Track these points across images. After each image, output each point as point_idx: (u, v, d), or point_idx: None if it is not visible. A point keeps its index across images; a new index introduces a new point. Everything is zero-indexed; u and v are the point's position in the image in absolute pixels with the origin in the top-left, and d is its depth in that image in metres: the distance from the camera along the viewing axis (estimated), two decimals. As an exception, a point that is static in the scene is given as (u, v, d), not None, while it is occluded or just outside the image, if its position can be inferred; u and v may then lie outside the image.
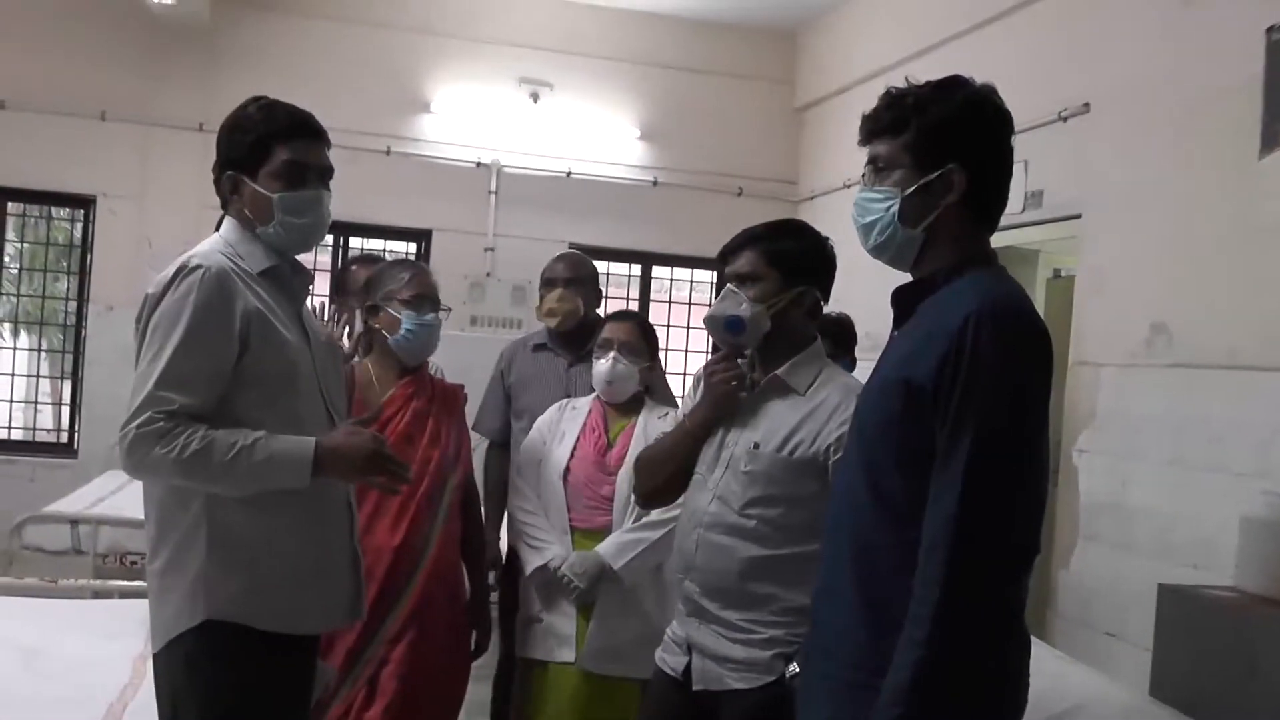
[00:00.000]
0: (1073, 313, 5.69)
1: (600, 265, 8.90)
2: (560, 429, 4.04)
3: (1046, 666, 4.10)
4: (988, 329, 2.08)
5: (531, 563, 3.88)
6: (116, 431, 2.57)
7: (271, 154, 2.80)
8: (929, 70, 6.68)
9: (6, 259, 8.67)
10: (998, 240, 5.85)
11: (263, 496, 2.66)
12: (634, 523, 3.82)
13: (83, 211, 8.24)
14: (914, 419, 2.16)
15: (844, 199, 7.36)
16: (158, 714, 2.71)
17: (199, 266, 2.64)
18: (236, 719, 2.65)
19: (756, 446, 2.98)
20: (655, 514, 3.67)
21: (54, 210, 8.75)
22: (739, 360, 3.13)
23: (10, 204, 8.28)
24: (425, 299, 3.74)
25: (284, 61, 8.22)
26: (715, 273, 8.69)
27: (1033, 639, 4.38)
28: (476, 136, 8.57)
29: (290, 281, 2.92)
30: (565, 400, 4.20)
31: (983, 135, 2.28)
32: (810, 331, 3.12)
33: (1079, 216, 5.51)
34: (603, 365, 3.96)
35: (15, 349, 9.12)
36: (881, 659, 2.13)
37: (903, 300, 2.36)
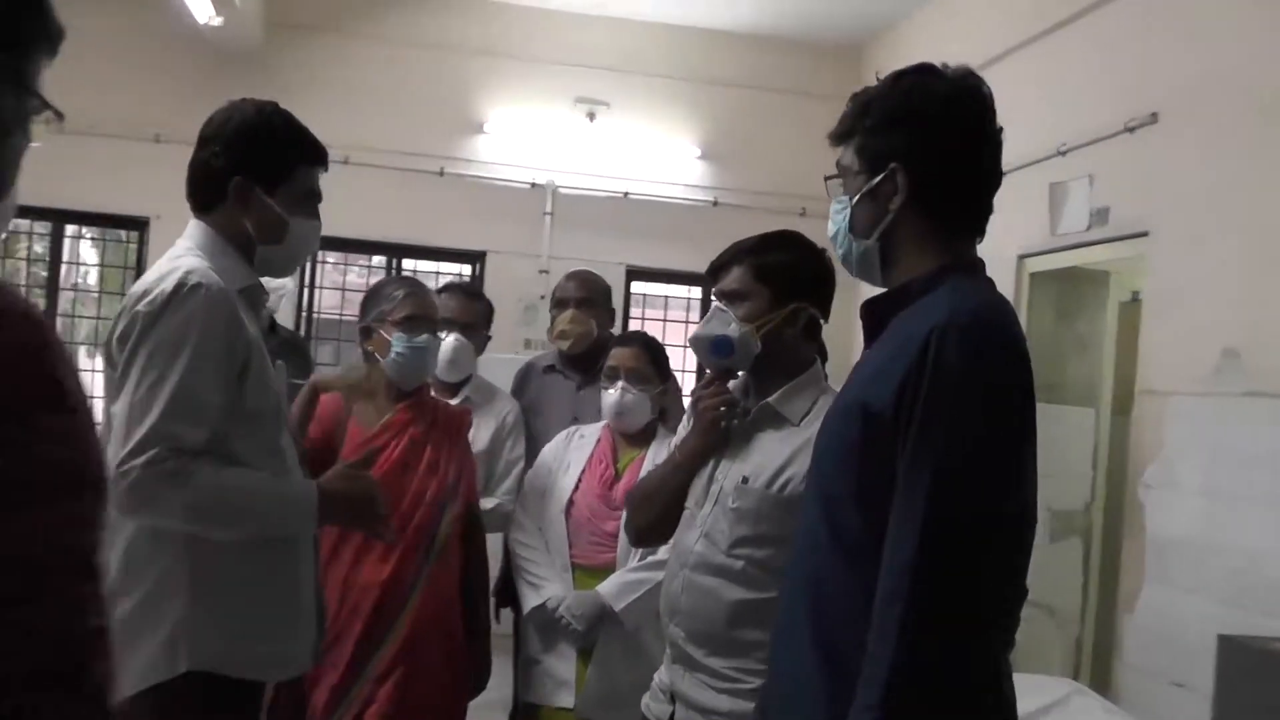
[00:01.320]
0: (1138, 337, 5.41)
1: (660, 288, 8.92)
2: (566, 459, 3.91)
3: (1094, 719, 3.88)
4: (953, 344, 1.88)
5: (529, 601, 3.77)
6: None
7: (295, 175, 2.75)
8: (998, 79, 6.47)
9: (87, 280, 8.80)
10: (1062, 260, 5.68)
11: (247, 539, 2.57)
12: (638, 561, 3.67)
13: (137, 233, 8.31)
14: (873, 447, 1.96)
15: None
16: None
17: (200, 285, 2.49)
18: None
19: (745, 481, 2.78)
20: (662, 553, 3.48)
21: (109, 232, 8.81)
22: (729, 385, 2.95)
23: (68, 226, 8.43)
24: (419, 320, 3.62)
25: (337, 83, 8.26)
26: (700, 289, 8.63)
27: (1082, 688, 4.19)
28: (531, 157, 8.51)
29: (259, 302, 2.80)
30: (574, 428, 4.06)
31: (931, 127, 2.09)
32: (807, 354, 2.92)
33: (1146, 234, 5.23)
34: (611, 396, 3.83)
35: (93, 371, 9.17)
36: (841, 711, 1.92)
37: (873, 314, 2.17)
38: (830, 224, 2.24)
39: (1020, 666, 5.28)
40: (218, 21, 7.15)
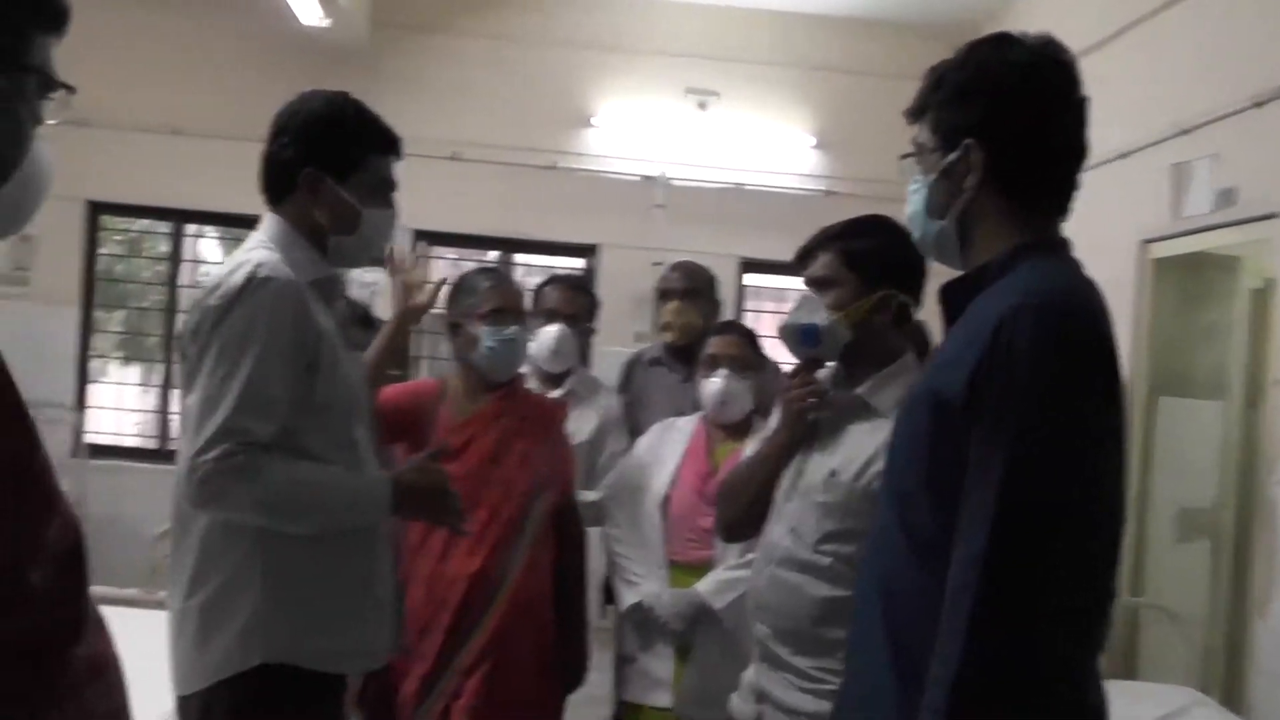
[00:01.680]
0: (1268, 325, 5.18)
1: (774, 280, 8.82)
2: (661, 453, 3.87)
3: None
4: (1026, 327, 1.78)
5: (626, 599, 3.75)
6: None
7: (366, 164, 2.73)
8: (1117, 55, 6.23)
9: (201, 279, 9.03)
10: (1187, 245, 5.46)
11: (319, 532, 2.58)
12: (737, 559, 3.60)
13: (252, 232, 8.40)
14: (945, 438, 1.86)
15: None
16: None
17: (269, 278, 2.49)
18: None
19: (833, 474, 2.72)
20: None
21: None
22: (818, 375, 2.87)
23: (188, 225, 8.65)
24: (505, 312, 3.61)
25: (444, 81, 8.35)
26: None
27: (1205, 699, 4.00)
28: (642, 149, 8.47)
29: (334, 293, 2.80)
30: (668, 420, 4.01)
31: (1005, 98, 1.97)
32: (898, 343, 2.84)
33: (1275, 216, 4.99)
34: (714, 384, 3.77)
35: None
36: (913, 717, 1.84)
37: (952, 298, 2.06)
38: (908, 205, 2.15)
39: (1144, 674, 5.13)
40: (325, 23, 7.29)
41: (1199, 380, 5.86)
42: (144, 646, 2.51)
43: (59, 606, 1.32)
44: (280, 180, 2.70)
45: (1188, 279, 5.90)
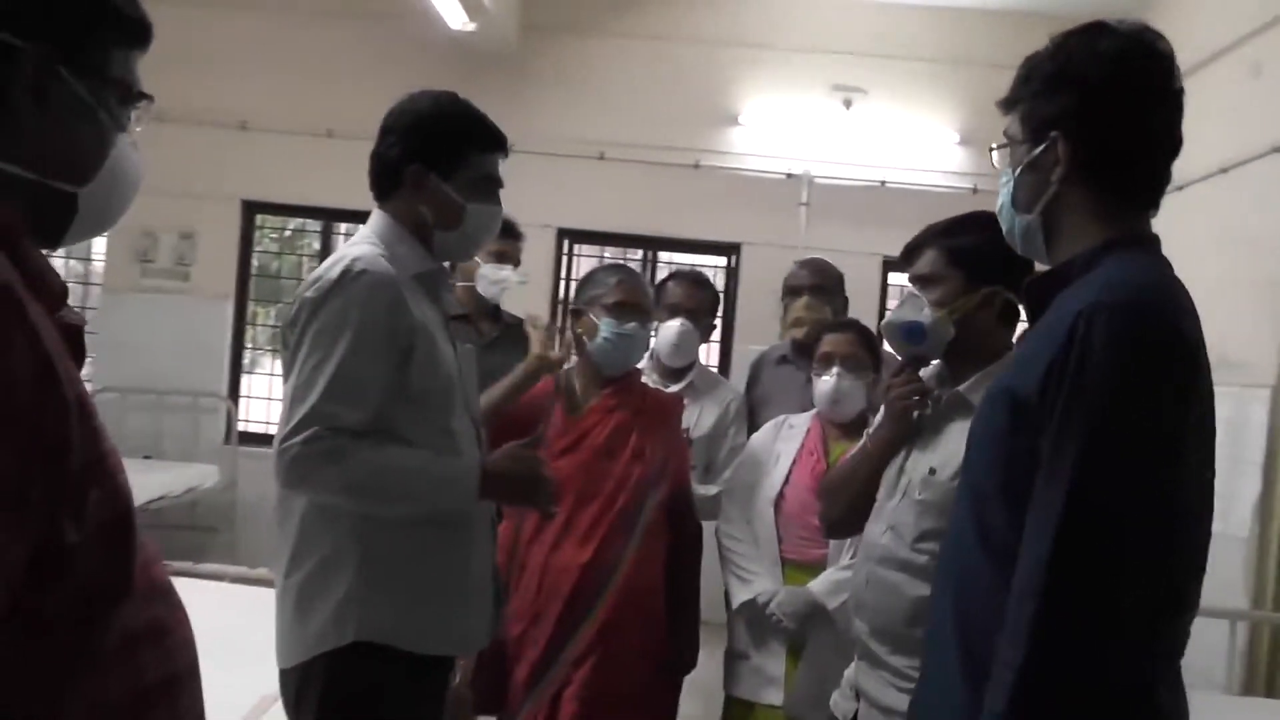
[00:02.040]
0: None
1: (919, 281, 8.72)
2: (775, 450, 3.85)
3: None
4: (1102, 326, 1.75)
5: (738, 596, 3.73)
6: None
7: (469, 161, 2.79)
8: (1274, 44, 5.99)
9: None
10: None
11: (418, 515, 2.63)
12: (851, 558, 3.54)
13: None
14: (1020, 437, 1.85)
15: (1180, 201, 6.76)
16: None
17: (364, 271, 2.57)
18: None
19: (933, 473, 2.69)
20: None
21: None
22: (923, 373, 2.86)
23: (341, 224, 8.90)
24: (628, 307, 3.63)
25: (591, 81, 8.47)
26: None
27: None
28: (786, 147, 8.46)
29: (441, 287, 2.86)
30: (782, 418, 3.99)
31: (1092, 92, 1.94)
32: (1003, 340, 2.80)
33: None
34: (826, 382, 3.75)
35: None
36: (978, 716, 1.83)
37: (1036, 294, 2.05)
38: (999, 198, 2.14)
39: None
40: (471, 27, 7.45)
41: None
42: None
43: (100, 573, 1.38)
44: (387, 177, 2.78)
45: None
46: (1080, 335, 1.76)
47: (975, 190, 8.20)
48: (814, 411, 3.87)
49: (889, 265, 8.48)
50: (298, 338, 2.57)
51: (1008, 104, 2.10)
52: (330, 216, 8.90)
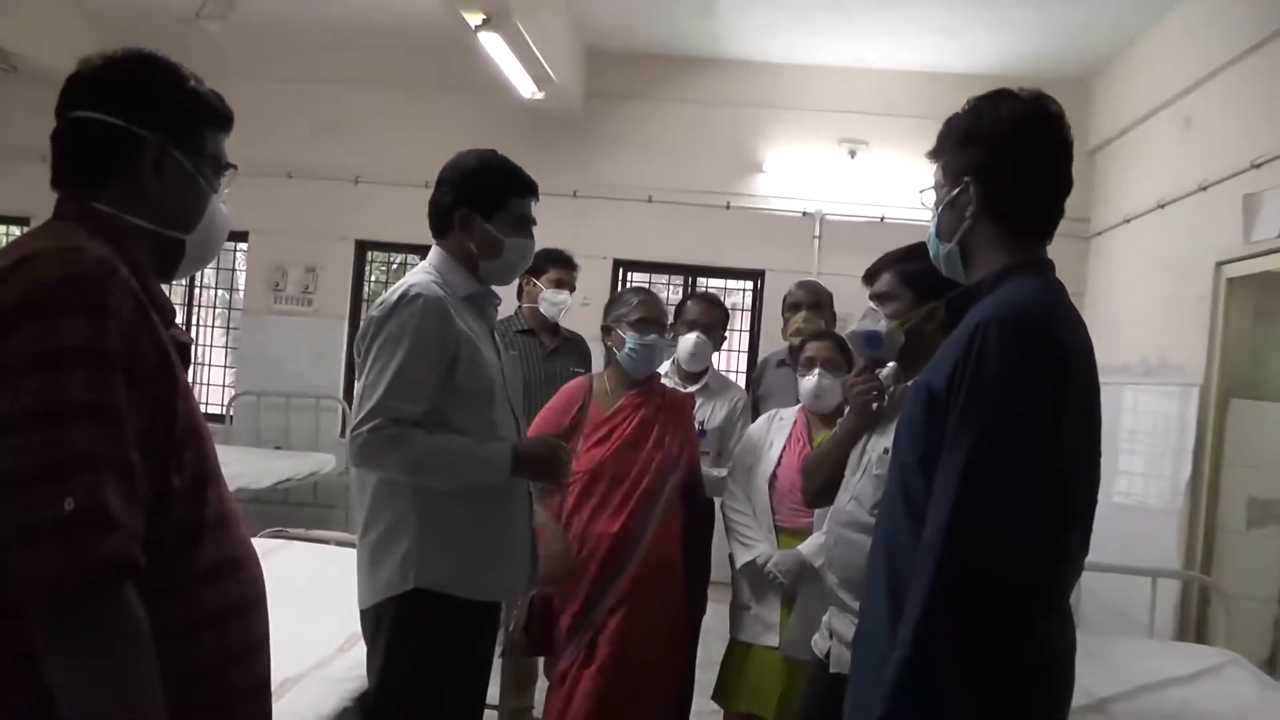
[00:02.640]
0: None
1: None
2: (769, 438, 3.88)
3: (1244, 689, 3.55)
4: (994, 336, 1.82)
5: (741, 558, 3.76)
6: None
7: (508, 204, 2.88)
8: (1200, 101, 5.96)
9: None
10: (1257, 266, 5.22)
11: (464, 488, 2.71)
12: (833, 523, 3.61)
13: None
14: (931, 422, 1.91)
15: (1127, 233, 6.73)
16: (367, 658, 2.77)
17: (419, 295, 2.67)
18: (434, 667, 2.68)
19: (887, 452, 2.71)
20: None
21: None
22: (881, 373, 2.90)
23: None
24: (648, 322, 3.70)
25: (642, 138, 8.54)
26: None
27: (1239, 658, 3.83)
28: (802, 190, 8.46)
29: (486, 305, 2.94)
30: (773, 411, 4.02)
31: (994, 146, 2.01)
32: None
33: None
34: (809, 381, 3.80)
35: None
36: None
37: (954, 308, 2.10)
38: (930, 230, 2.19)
39: (1214, 644, 4.90)
40: (540, 96, 7.53)
41: (1268, 385, 5.59)
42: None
43: (192, 513, 1.52)
44: (441, 219, 2.88)
45: (1258, 296, 5.63)
46: (978, 342, 1.83)
47: (959, 225, 8.16)
48: (800, 405, 3.91)
49: (888, 288, 8.41)
50: (366, 348, 2.69)
51: (933, 155, 2.16)
52: (427, 252, 8.91)
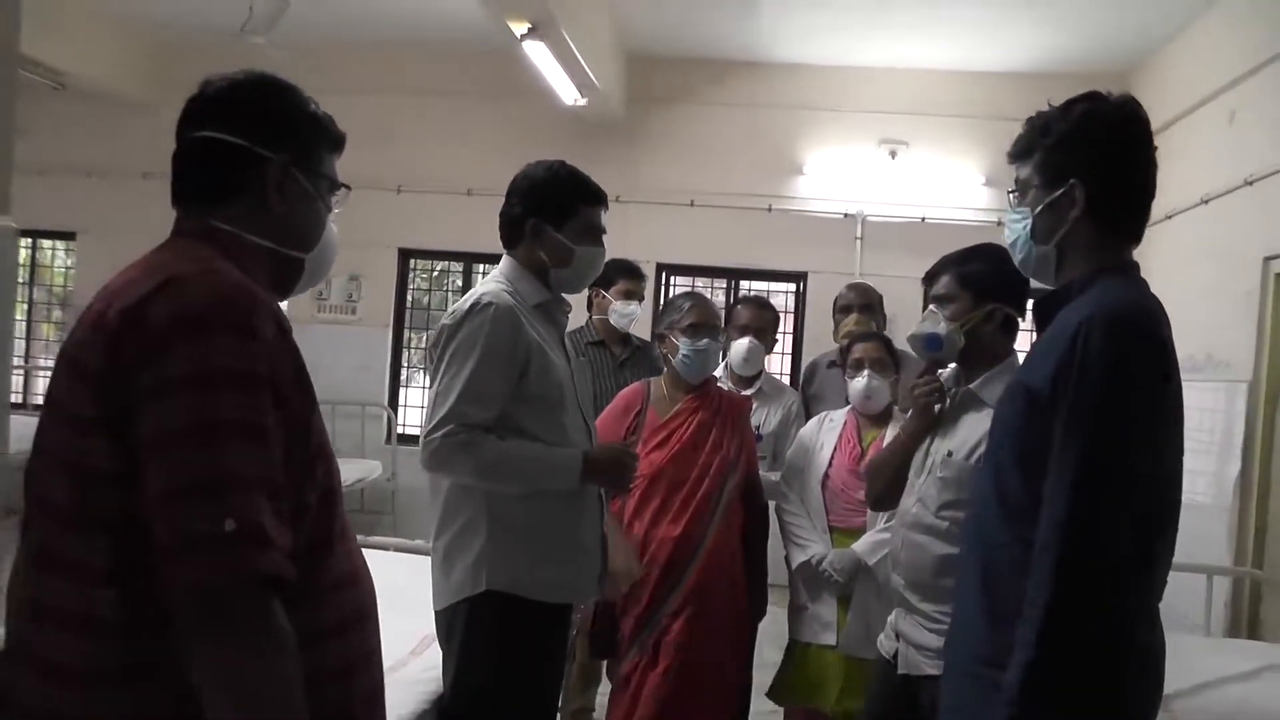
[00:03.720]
0: None
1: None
2: (820, 440, 3.90)
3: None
4: (1099, 334, 1.85)
5: (797, 559, 3.78)
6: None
7: (578, 214, 2.91)
8: (1245, 96, 5.93)
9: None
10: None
11: (535, 492, 2.75)
12: (885, 523, 3.62)
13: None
14: (1032, 422, 1.94)
15: (1170, 229, 6.71)
16: (442, 660, 2.81)
17: (490, 304, 2.71)
18: (508, 668, 2.71)
19: (950, 455, 2.77)
20: (900, 515, 3.45)
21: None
22: (942, 374, 2.92)
23: (479, 265, 9.10)
24: (701, 327, 3.71)
25: (684, 142, 8.57)
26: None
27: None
28: (843, 191, 8.47)
29: (557, 313, 2.97)
30: (824, 413, 4.04)
31: (1102, 148, 2.03)
32: (1003, 347, 2.86)
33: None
34: (859, 383, 3.81)
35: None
36: (995, 651, 1.94)
37: (1042, 310, 2.13)
38: (1008, 232, 2.20)
39: (1269, 638, 4.89)
40: (582, 102, 7.58)
41: (1319, 379, 5.57)
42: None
43: (321, 527, 1.57)
44: (513, 230, 2.92)
45: (1308, 291, 5.62)
46: (1082, 340, 1.85)
47: (999, 224, 8.07)
48: (848, 407, 3.92)
49: (929, 286, 8.41)
50: (439, 355, 2.73)
51: (1020, 154, 2.15)
52: (470, 259, 9.10)
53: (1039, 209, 2.09)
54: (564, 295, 2.99)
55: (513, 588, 2.70)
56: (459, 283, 9.28)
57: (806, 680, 3.72)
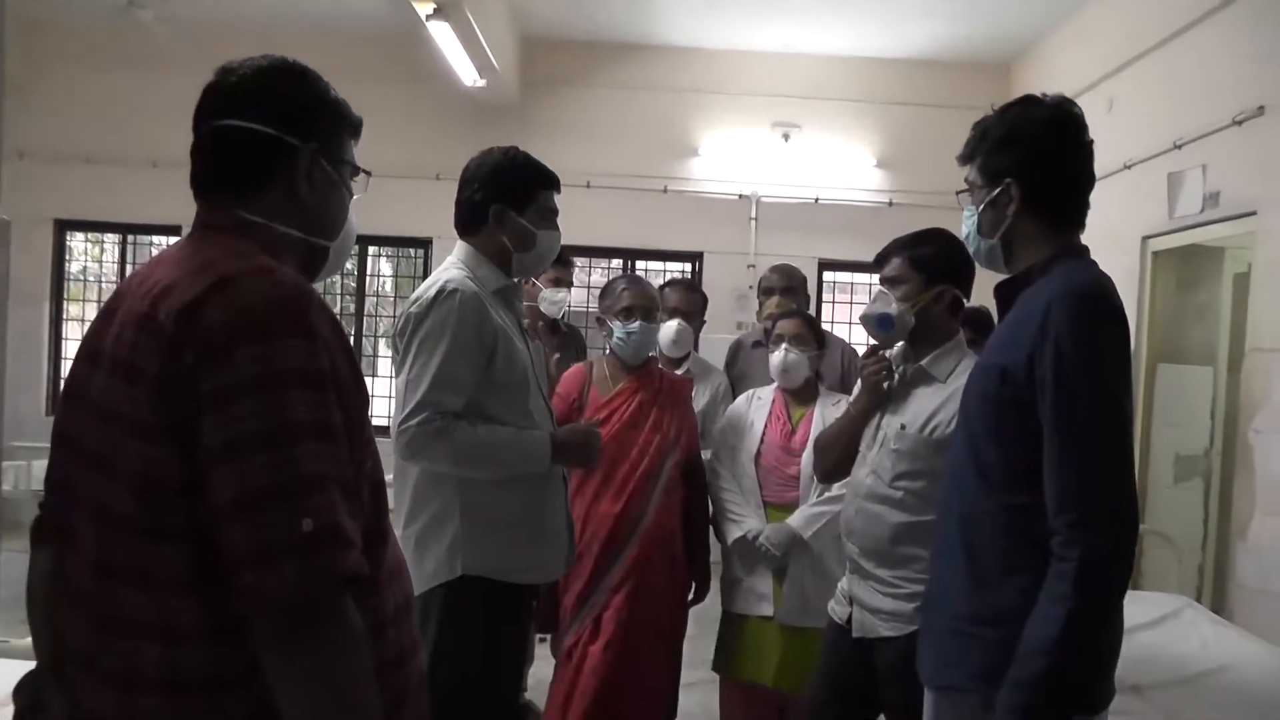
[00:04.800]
0: (1248, 303, 5.21)
1: (846, 276, 8.92)
2: (750, 417, 3.94)
3: (1202, 630, 3.82)
4: (1065, 312, 1.96)
5: (732, 534, 3.81)
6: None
7: (536, 198, 2.91)
8: (1123, 84, 6.24)
9: (385, 288, 9.40)
10: (1180, 240, 5.52)
11: (501, 477, 2.76)
12: (818, 497, 3.72)
13: (423, 250, 8.77)
14: (1007, 398, 2.05)
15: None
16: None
17: (456, 290, 2.70)
18: (485, 650, 2.74)
19: (903, 428, 2.88)
20: (836, 488, 3.53)
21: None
22: (886, 354, 3.03)
23: (370, 247, 8.97)
24: (635, 310, 3.73)
25: (579, 124, 8.55)
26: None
27: (1193, 603, 4.11)
28: (738, 173, 8.57)
29: (514, 299, 2.98)
30: (751, 391, 4.08)
31: (1034, 147, 2.16)
32: (951, 326, 2.97)
33: (1254, 214, 5.03)
34: (776, 356, 3.86)
35: (387, 357, 9.64)
36: (979, 608, 2.07)
37: (1003, 294, 2.25)
38: (963, 227, 2.32)
39: (1146, 588, 5.21)
40: (482, 84, 7.53)
41: (1192, 350, 5.91)
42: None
43: (374, 520, 1.54)
44: (474, 217, 2.90)
45: (1182, 267, 5.95)
46: (1052, 319, 1.97)
47: (890, 204, 8.39)
48: (775, 385, 3.97)
49: (823, 265, 8.63)
50: (407, 342, 2.72)
51: (966, 158, 2.28)
52: (365, 242, 8.93)
53: (981, 207, 2.22)
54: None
55: (488, 571, 2.71)
56: (349, 265, 9.11)
57: (745, 653, 3.78)
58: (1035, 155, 2.16)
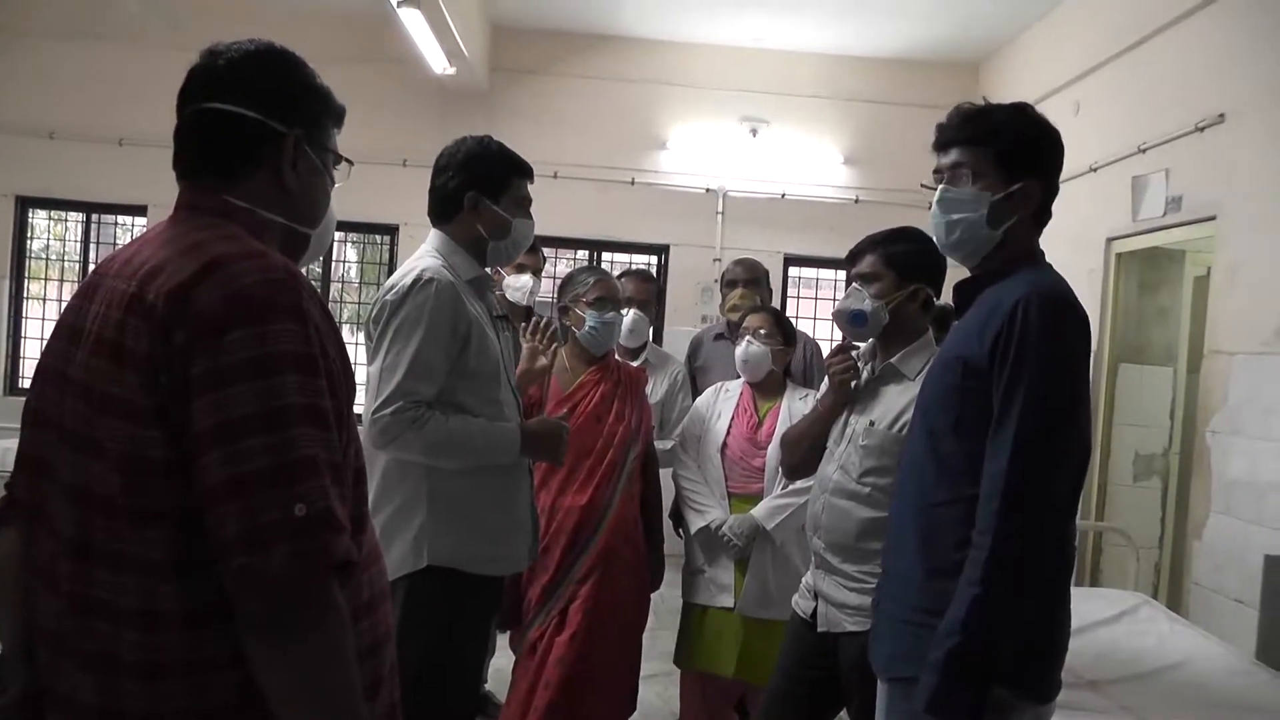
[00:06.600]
0: (1207, 305, 5.25)
1: (811, 272, 8.93)
2: (717, 409, 3.95)
3: (1159, 626, 3.87)
4: (1035, 311, 1.99)
5: (695, 524, 3.82)
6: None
7: (511, 186, 2.90)
8: (1089, 89, 6.29)
9: (350, 274, 9.31)
10: (1143, 242, 5.57)
11: (470, 467, 2.74)
12: (782, 489, 3.72)
13: (389, 237, 8.64)
14: (969, 390, 2.08)
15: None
16: None
17: (432, 279, 2.67)
18: (449, 641, 2.72)
19: (872, 424, 2.87)
20: (800, 482, 3.51)
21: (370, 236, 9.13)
22: (853, 353, 3.03)
23: (336, 232, 8.71)
24: (606, 300, 3.73)
25: (547, 114, 8.44)
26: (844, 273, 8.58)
27: (1150, 600, 4.16)
28: (705, 167, 8.53)
29: (486, 288, 2.95)
30: (720, 384, 4.10)
31: (1056, 154, 2.22)
32: (922, 324, 2.97)
33: (1214, 218, 5.07)
34: (740, 348, 3.89)
35: (356, 344, 9.55)
36: (933, 600, 2.08)
37: (964, 292, 2.26)
38: (949, 208, 2.23)
39: (1105, 584, 5.26)
40: (451, 71, 7.43)
41: (1152, 350, 5.96)
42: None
43: (357, 505, 1.53)
44: (448, 204, 2.88)
45: (1144, 269, 5.99)
46: (1020, 315, 2.00)
47: (857, 201, 8.38)
48: (743, 379, 3.98)
49: (789, 261, 8.60)
50: (380, 331, 2.68)
51: (979, 141, 2.19)
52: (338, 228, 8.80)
53: (998, 197, 2.18)
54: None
55: (454, 562, 2.69)
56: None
57: (705, 644, 3.78)
58: (1053, 160, 2.23)
